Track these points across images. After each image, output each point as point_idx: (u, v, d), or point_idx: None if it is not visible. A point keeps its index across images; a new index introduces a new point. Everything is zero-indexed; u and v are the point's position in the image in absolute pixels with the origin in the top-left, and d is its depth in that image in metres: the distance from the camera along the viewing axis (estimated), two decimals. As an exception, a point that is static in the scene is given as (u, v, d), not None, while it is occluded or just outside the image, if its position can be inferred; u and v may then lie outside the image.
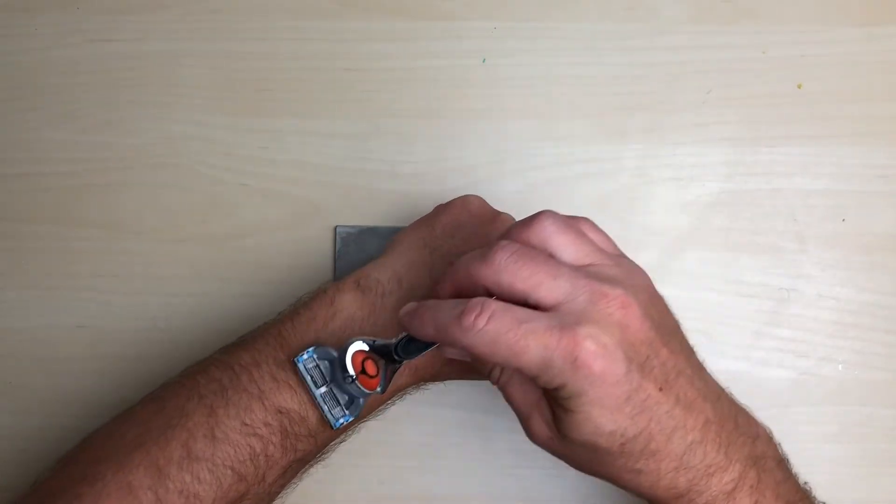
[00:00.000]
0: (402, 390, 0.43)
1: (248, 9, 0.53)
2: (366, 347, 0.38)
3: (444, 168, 0.53)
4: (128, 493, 0.35)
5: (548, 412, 0.36)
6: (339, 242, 0.52)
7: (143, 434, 0.37)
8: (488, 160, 0.53)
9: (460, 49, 0.53)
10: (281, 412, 0.38)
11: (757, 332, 0.52)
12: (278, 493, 0.40)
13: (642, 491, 0.36)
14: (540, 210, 0.37)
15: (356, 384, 0.37)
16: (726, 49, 0.53)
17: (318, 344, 0.39)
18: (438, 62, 0.53)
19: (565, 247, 0.36)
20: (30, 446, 0.51)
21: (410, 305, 0.37)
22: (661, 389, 0.34)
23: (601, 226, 0.39)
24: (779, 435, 0.39)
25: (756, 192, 0.53)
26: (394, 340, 0.38)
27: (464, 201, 0.45)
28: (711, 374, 0.38)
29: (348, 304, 0.41)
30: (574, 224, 0.37)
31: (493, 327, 0.33)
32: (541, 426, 0.37)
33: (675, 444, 0.35)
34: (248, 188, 0.53)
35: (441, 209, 0.45)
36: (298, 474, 0.41)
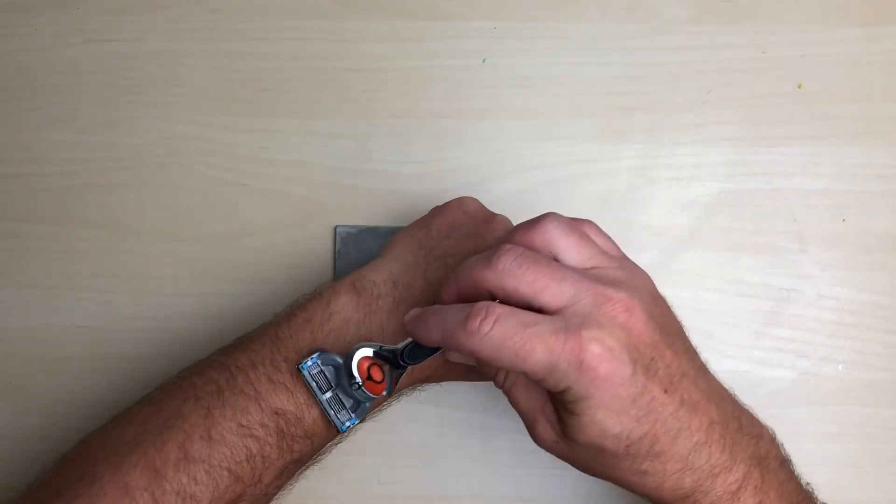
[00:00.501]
0: (399, 391, 0.43)
1: (248, 9, 0.53)
2: (371, 354, 0.38)
3: (444, 168, 0.53)
4: (124, 493, 0.35)
5: (553, 415, 0.36)
6: (339, 242, 0.52)
7: (139, 435, 0.37)
8: (488, 160, 0.53)
9: (460, 49, 0.53)
10: (277, 413, 0.38)
11: (757, 332, 0.52)
12: (275, 494, 0.40)
13: (648, 492, 0.36)
14: (543, 213, 0.37)
15: (363, 390, 0.38)
16: (726, 49, 0.53)
17: (318, 348, 0.39)
18: (438, 62, 0.53)
19: (569, 250, 0.36)
20: (30, 446, 0.51)
21: (415, 311, 0.37)
22: (665, 391, 0.35)
23: (601, 226, 0.39)
24: (779, 435, 0.39)
25: (756, 192, 0.53)
26: (399, 346, 0.38)
27: (459, 203, 0.45)
28: (714, 375, 0.38)
29: (344, 305, 0.41)
30: (577, 227, 0.37)
31: (498, 331, 0.33)
32: (546, 429, 0.37)
33: (681, 446, 0.35)
34: (248, 188, 0.53)
35: (436, 211, 0.45)
36: (295, 475, 0.41)
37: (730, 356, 0.52)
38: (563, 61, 0.53)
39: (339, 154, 0.53)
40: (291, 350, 0.39)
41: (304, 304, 0.42)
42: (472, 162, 0.53)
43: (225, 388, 0.38)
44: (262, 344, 0.40)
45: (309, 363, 0.39)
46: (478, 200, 0.46)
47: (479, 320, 0.33)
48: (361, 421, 0.40)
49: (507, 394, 0.38)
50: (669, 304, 0.38)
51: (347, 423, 0.39)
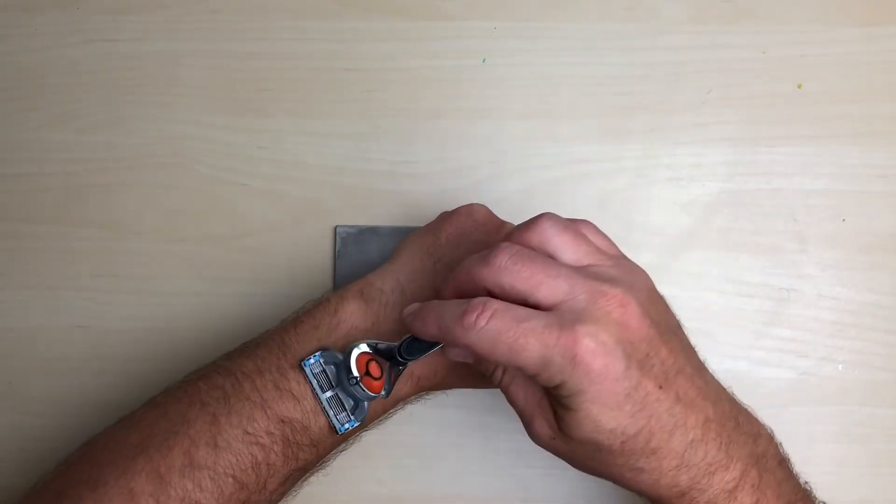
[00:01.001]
0: (402, 400, 0.43)
1: (248, 9, 0.53)
2: (369, 349, 0.38)
3: (444, 168, 0.53)
4: (129, 499, 0.35)
5: (550, 413, 0.37)
6: (339, 242, 0.52)
7: (145, 440, 0.37)
8: (488, 160, 0.53)
9: (460, 49, 0.53)
10: (283, 421, 0.38)
11: (757, 332, 0.52)
12: (279, 500, 0.40)
13: (644, 489, 0.36)
14: (540, 213, 0.37)
15: (360, 386, 0.38)
16: (726, 49, 0.53)
17: (321, 346, 0.39)
18: (438, 62, 0.53)
19: (565, 248, 0.36)
20: (30, 446, 0.51)
21: (414, 306, 0.37)
22: (660, 387, 0.35)
23: (601, 226, 0.39)
24: (779, 435, 0.39)
25: (756, 192, 0.53)
26: (397, 343, 0.38)
27: (469, 210, 0.45)
28: (713, 374, 0.38)
29: (351, 313, 0.41)
30: (573, 226, 0.37)
31: (493, 326, 0.33)
32: (543, 427, 0.37)
33: (676, 443, 0.35)
34: (248, 188, 0.53)
35: (445, 217, 0.45)
36: (299, 482, 0.41)
37: (730, 356, 0.52)
38: (563, 61, 0.53)
39: (339, 154, 0.53)
40: (298, 357, 0.39)
41: (311, 310, 0.42)
42: (472, 162, 0.53)
43: (231, 394, 0.38)
44: (268, 350, 0.40)
45: (311, 361, 0.39)
46: (487, 208, 0.45)
47: (475, 315, 0.34)
48: (361, 426, 0.39)
49: (505, 391, 0.38)
50: (668, 303, 0.38)
51: (346, 425, 0.39)
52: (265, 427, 0.38)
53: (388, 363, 0.39)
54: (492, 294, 0.35)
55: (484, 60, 0.53)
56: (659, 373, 0.35)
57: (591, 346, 0.33)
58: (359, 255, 0.51)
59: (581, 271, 0.35)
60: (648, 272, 0.38)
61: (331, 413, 0.39)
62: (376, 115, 0.53)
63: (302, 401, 0.39)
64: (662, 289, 0.38)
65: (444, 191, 0.53)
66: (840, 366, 0.52)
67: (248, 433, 0.37)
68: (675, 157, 0.53)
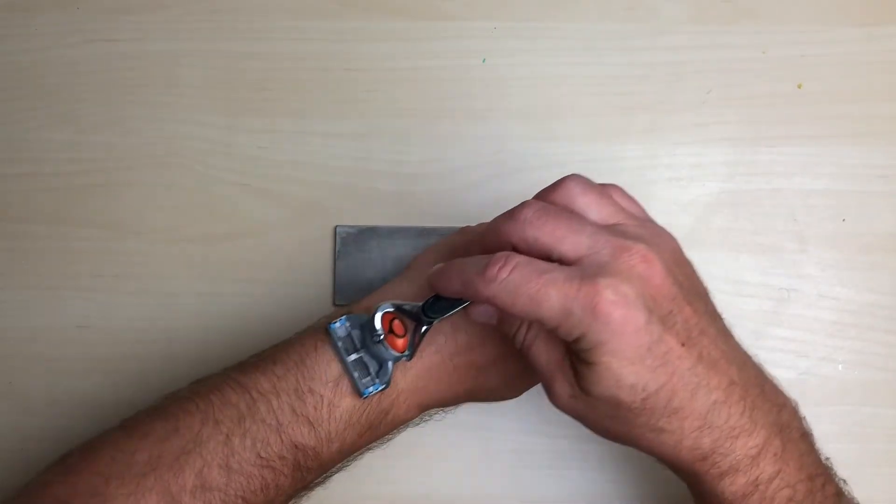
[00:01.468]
0: (404, 423, 0.42)
1: (248, 9, 0.53)
2: (393, 309, 0.39)
3: (444, 168, 0.53)
4: None
5: (570, 372, 0.36)
6: (339, 242, 0.52)
7: (156, 458, 0.36)
8: (488, 160, 0.53)
9: (460, 49, 0.53)
10: (297, 447, 0.38)
11: (757, 332, 0.52)
12: None
13: (665, 451, 0.35)
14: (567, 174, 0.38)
15: (384, 343, 0.38)
16: (726, 49, 0.53)
17: (349, 312, 0.39)
18: (438, 62, 0.53)
19: (590, 206, 0.37)
20: (30, 446, 0.51)
21: (438, 266, 0.38)
22: (683, 344, 0.34)
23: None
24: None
25: (756, 192, 0.53)
26: (421, 302, 0.38)
27: (486, 225, 0.44)
28: (739, 342, 0.37)
29: None
30: (600, 187, 0.38)
31: (514, 277, 0.33)
32: (563, 386, 0.36)
33: (699, 403, 0.34)
34: (248, 188, 0.53)
35: (467, 232, 0.45)
36: (298, 496, 0.41)
37: (730, 356, 0.52)
38: (563, 61, 0.53)
39: (339, 154, 0.53)
40: (318, 381, 0.39)
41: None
42: (472, 162, 0.53)
43: (246, 414, 0.37)
44: (285, 369, 0.39)
45: (337, 324, 0.39)
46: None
47: (497, 267, 0.34)
48: (384, 388, 0.39)
49: (527, 351, 0.38)
50: (695, 268, 0.38)
51: (371, 389, 0.38)
52: (278, 452, 0.37)
53: (412, 324, 0.39)
54: (516, 249, 0.35)
55: (484, 60, 0.53)
56: (682, 330, 0.34)
57: (612, 298, 0.33)
58: (359, 255, 0.51)
59: (606, 228, 0.35)
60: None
61: (355, 376, 0.38)
62: (376, 115, 0.53)
63: (317, 427, 0.38)
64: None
65: (444, 191, 0.53)
66: (840, 366, 0.52)
67: (262, 457, 0.37)
68: (675, 157, 0.53)
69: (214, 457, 0.36)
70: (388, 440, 0.43)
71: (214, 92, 0.53)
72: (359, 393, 0.39)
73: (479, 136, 0.53)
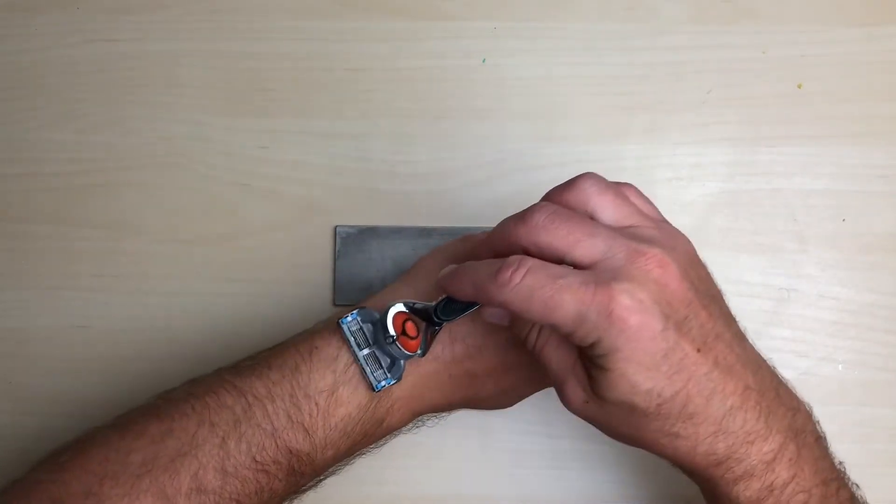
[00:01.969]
0: (398, 429, 0.42)
1: (248, 9, 0.53)
2: (406, 309, 0.38)
3: (444, 168, 0.53)
4: None
5: (583, 375, 0.36)
6: (339, 242, 0.52)
7: (151, 459, 0.36)
8: (488, 160, 0.53)
9: (460, 49, 0.53)
10: (291, 452, 0.38)
11: (757, 332, 0.52)
12: None
13: (680, 457, 0.35)
14: (582, 172, 0.37)
15: (396, 345, 0.38)
16: (726, 49, 0.53)
17: (361, 306, 0.39)
18: (438, 62, 0.53)
19: (605, 208, 0.36)
20: (30, 446, 0.51)
21: (449, 267, 0.37)
22: (698, 350, 0.34)
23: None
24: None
25: (756, 192, 0.53)
26: (433, 303, 0.38)
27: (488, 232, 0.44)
28: (753, 345, 0.37)
29: None
30: (615, 187, 0.37)
31: (528, 282, 0.33)
32: (576, 390, 0.36)
33: (715, 408, 0.34)
34: (248, 188, 0.53)
35: (469, 240, 0.44)
36: (290, 499, 0.41)
37: (730, 356, 0.52)
38: (563, 61, 0.53)
39: (339, 154, 0.53)
40: (312, 389, 0.38)
41: (327, 337, 0.40)
42: (472, 162, 0.53)
43: (242, 418, 0.37)
44: (281, 375, 0.39)
45: (349, 318, 0.39)
46: None
47: (510, 272, 0.33)
48: (396, 382, 0.39)
49: (539, 354, 0.37)
50: (710, 271, 0.37)
51: (383, 382, 0.38)
52: (273, 456, 0.37)
53: (424, 323, 0.39)
54: (528, 253, 0.35)
55: (484, 60, 0.53)
56: (697, 336, 0.34)
57: (628, 303, 0.32)
58: (359, 255, 0.51)
59: (620, 231, 0.35)
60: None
61: (367, 370, 0.38)
62: (376, 115, 0.53)
63: (312, 434, 0.38)
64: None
65: (444, 191, 0.53)
66: (840, 366, 0.52)
67: (257, 461, 0.37)
68: (675, 157, 0.53)
69: (210, 459, 0.36)
70: (382, 445, 0.43)
71: (214, 92, 0.53)
72: (371, 387, 0.38)
73: (480, 136, 0.53)
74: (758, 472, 0.35)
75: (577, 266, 0.34)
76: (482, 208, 0.52)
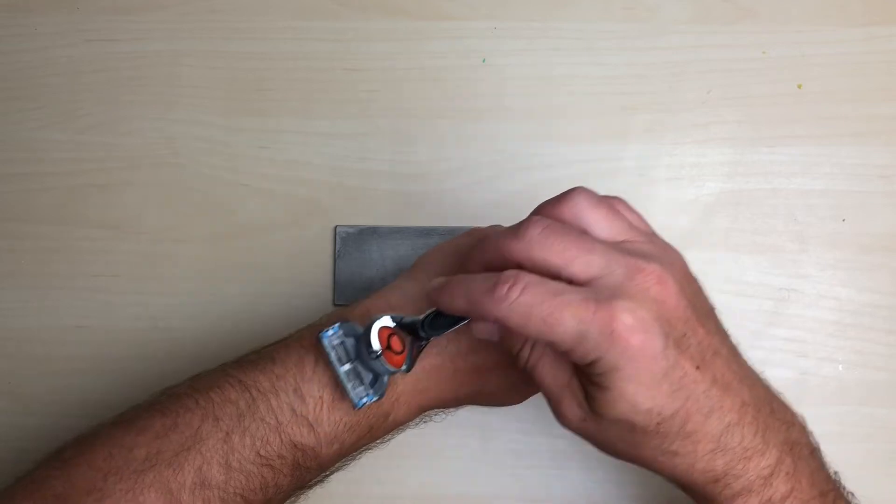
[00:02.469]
0: (404, 423, 0.42)
1: (248, 9, 0.54)
2: (392, 323, 0.37)
3: (444, 168, 0.53)
4: None
5: (580, 392, 0.35)
6: (339, 242, 0.52)
7: (154, 455, 0.36)
8: (488, 160, 0.53)
9: (460, 49, 0.53)
10: (296, 447, 0.38)
11: (757, 332, 0.52)
12: None
13: (678, 474, 0.35)
14: (573, 187, 0.36)
15: (381, 360, 0.36)
16: (726, 49, 0.53)
17: (341, 317, 0.38)
18: (438, 62, 0.53)
19: (598, 223, 0.35)
20: (30, 446, 0.51)
21: (440, 280, 0.36)
22: (698, 368, 0.34)
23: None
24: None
25: (756, 192, 0.53)
26: (420, 316, 0.37)
27: (494, 228, 0.43)
28: (746, 359, 0.37)
29: None
30: (607, 201, 0.36)
31: (526, 298, 0.32)
32: (572, 407, 0.35)
33: (713, 425, 0.34)
34: (248, 188, 0.53)
35: (475, 244, 0.43)
36: (296, 495, 0.41)
37: (730, 356, 0.52)
38: (563, 61, 0.53)
39: (339, 154, 0.53)
40: (316, 383, 0.38)
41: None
42: (472, 162, 0.53)
43: (245, 413, 0.37)
44: (285, 369, 0.38)
45: (330, 332, 0.37)
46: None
47: (507, 287, 0.32)
48: (379, 399, 0.38)
49: (532, 371, 0.37)
50: (701, 284, 0.37)
51: (364, 399, 0.37)
52: (278, 451, 0.37)
53: (409, 337, 0.38)
54: (522, 268, 0.34)
55: (484, 60, 0.53)
56: (696, 353, 0.34)
57: (630, 322, 0.32)
58: (359, 255, 0.51)
59: (616, 247, 0.34)
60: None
61: (348, 387, 0.37)
62: (376, 115, 0.53)
63: (317, 428, 0.38)
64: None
65: (444, 191, 0.53)
66: (840, 366, 0.52)
67: (261, 455, 0.37)
68: (675, 157, 0.53)
69: (214, 454, 0.36)
70: (388, 440, 0.43)
71: (214, 92, 0.53)
72: (353, 404, 0.37)
73: (480, 136, 0.53)
74: (756, 488, 0.35)
75: (573, 282, 0.33)
76: (482, 208, 0.52)
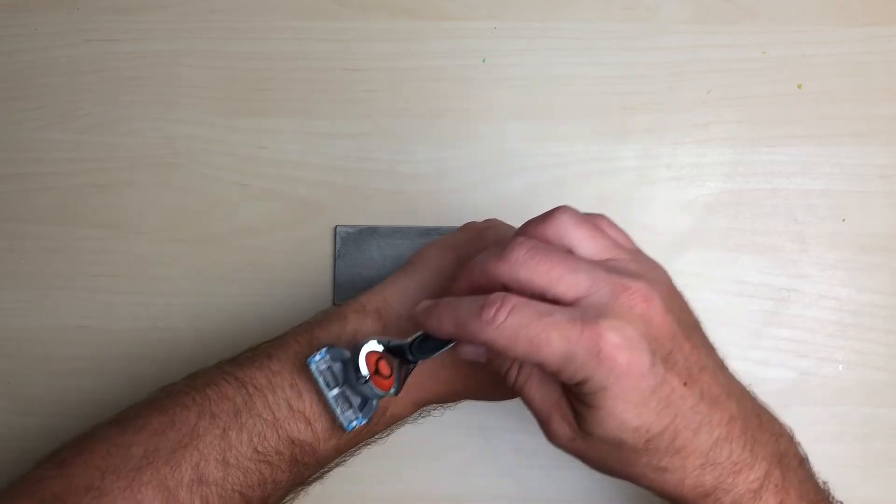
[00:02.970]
0: (402, 419, 0.42)
1: (248, 9, 0.54)
2: (380, 348, 0.37)
3: (444, 168, 0.53)
4: None
5: (569, 411, 0.36)
6: (339, 242, 0.52)
7: (152, 452, 0.36)
8: (488, 160, 0.53)
9: (460, 49, 0.53)
10: (294, 442, 0.38)
11: (757, 332, 0.52)
12: None
13: (667, 490, 0.35)
14: (556, 206, 0.37)
15: (369, 385, 0.37)
16: (726, 49, 0.53)
17: (327, 342, 0.39)
18: (438, 62, 0.53)
19: (582, 242, 0.35)
20: (30, 446, 0.51)
21: (426, 302, 0.36)
22: (685, 384, 0.34)
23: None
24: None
25: (756, 192, 0.53)
26: (408, 340, 0.37)
27: (496, 229, 0.43)
28: (733, 373, 0.37)
29: (368, 334, 0.40)
30: (591, 219, 0.37)
31: (513, 321, 0.32)
32: (562, 426, 0.36)
33: (702, 441, 0.34)
34: (248, 188, 0.53)
35: (471, 237, 0.43)
36: (296, 492, 0.41)
37: (730, 356, 0.51)
38: (563, 61, 0.53)
39: (339, 154, 0.53)
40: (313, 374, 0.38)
41: (326, 326, 0.40)
42: (472, 162, 0.53)
43: (242, 409, 0.37)
44: (280, 365, 0.39)
45: (317, 357, 0.37)
46: (513, 229, 0.43)
47: (494, 309, 0.33)
48: (368, 422, 0.39)
49: (520, 391, 0.37)
50: (686, 298, 0.37)
51: (354, 423, 0.38)
52: (275, 447, 0.37)
53: (397, 360, 0.38)
54: (508, 290, 0.34)
55: (484, 60, 0.53)
56: (683, 369, 0.34)
57: (616, 341, 0.32)
58: (359, 255, 0.51)
59: (601, 265, 0.34)
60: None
61: (337, 411, 0.38)
62: (376, 115, 0.53)
63: (314, 423, 0.38)
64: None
65: (444, 191, 0.53)
66: (840, 366, 0.52)
67: (259, 452, 0.37)
68: (675, 157, 0.53)
69: (211, 451, 0.36)
70: (387, 436, 0.43)
71: (214, 92, 0.53)
72: (342, 428, 0.38)
73: (479, 136, 0.53)
74: (745, 502, 0.35)
75: (559, 302, 0.33)
76: (482, 208, 0.52)
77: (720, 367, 0.36)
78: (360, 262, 0.51)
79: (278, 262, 0.52)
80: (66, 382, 0.51)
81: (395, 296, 0.41)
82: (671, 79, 0.53)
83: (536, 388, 0.37)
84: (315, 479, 0.41)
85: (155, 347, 0.52)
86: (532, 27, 0.53)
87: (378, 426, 0.41)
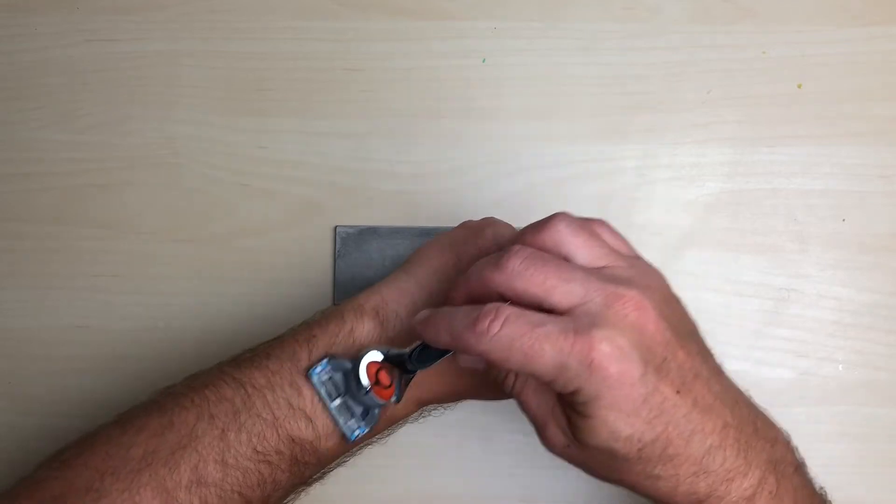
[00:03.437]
0: (402, 418, 0.42)
1: (248, 9, 0.54)
2: (379, 357, 0.37)
3: (444, 168, 0.53)
4: None
5: (563, 420, 0.36)
6: (339, 242, 0.52)
7: (151, 453, 0.36)
8: (488, 160, 0.53)
9: (460, 49, 0.53)
10: (294, 441, 0.38)
11: (757, 332, 0.52)
12: None
13: (661, 497, 0.35)
14: (553, 212, 0.37)
15: (371, 395, 0.37)
16: (726, 49, 0.53)
17: (328, 353, 0.39)
18: (438, 62, 0.53)
19: (579, 249, 0.36)
20: (30, 446, 0.51)
21: (424, 313, 0.37)
22: (678, 392, 0.34)
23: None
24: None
25: (756, 192, 0.53)
26: (407, 350, 0.37)
27: (494, 228, 0.43)
28: (730, 378, 0.37)
29: (367, 334, 0.40)
30: (588, 226, 0.37)
31: (507, 332, 0.33)
32: (556, 434, 0.36)
33: (694, 449, 0.34)
34: (248, 188, 0.53)
35: (469, 236, 0.43)
36: (297, 492, 0.41)
37: (730, 356, 0.52)
38: (563, 61, 0.53)
39: (339, 154, 0.53)
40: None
41: (324, 325, 0.40)
42: (472, 162, 0.53)
43: (241, 409, 0.37)
44: (279, 364, 0.39)
45: (318, 369, 0.38)
46: (511, 227, 0.43)
47: (487, 321, 0.33)
48: (370, 430, 0.39)
49: (517, 398, 0.37)
50: (684, 304, 0.37)
51: (357, 432, 0.38)
52: (275, 446, 0.37)
53: (397, 369, 0.38)
54: (504, 299, 0.35)
55: (484, 60, 0.53)
56: (676, 377, 0.34)
57: (608, 351, 0.32)
58: (359, 255, 0.51)
59: (596, 273, 0.35)
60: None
61: (340, 421, 0.38)
62: (376, 115, 0.53)
63: (315, 421, 0.38)
64: (663, 289, 0.38)
65: (444, 191, 0.53)
66: (840, 366, 0.52)
67: (258, 451, 0.37)
68: (675, 157, 0.53)
69: (210, 452, 0.36)
70: (387, 436, 0.43)
71: (214, 92, 0.53)
72: (345, 438, 0.38)
73: (479, 136, 0.53)
74: None
75: (554, 311, 0.34)
76: (482, 208, 0.52)
77: (715, 373, 0.36)
78: (360, 262, 0.51)
79: (278, 262, 0.52)
80: (66, 382, 0.51)
81: (393, 295, 0.41)
82: (671, 79, 0.53)
83: (532, 396, 0.37)
84: (315, 480, 0.41)
85: (155, 347, 0.52)
86: (532, 27, 0.54)
87: (379, 426, 0.41)
